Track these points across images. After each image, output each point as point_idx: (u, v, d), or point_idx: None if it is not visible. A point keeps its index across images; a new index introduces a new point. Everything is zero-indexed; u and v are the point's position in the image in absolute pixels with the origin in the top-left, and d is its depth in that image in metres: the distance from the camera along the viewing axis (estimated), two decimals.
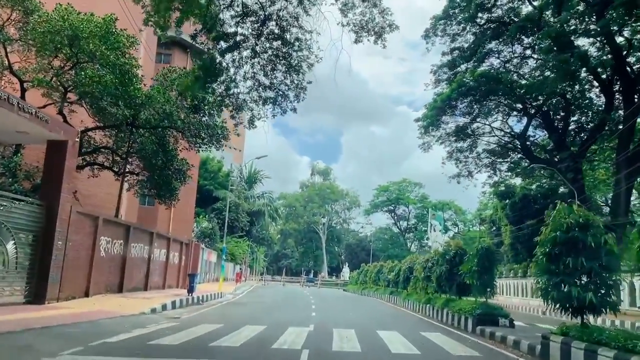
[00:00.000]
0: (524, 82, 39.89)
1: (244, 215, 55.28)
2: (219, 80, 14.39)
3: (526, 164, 47.08)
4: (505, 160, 48.30)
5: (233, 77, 14.61)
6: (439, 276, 16.51)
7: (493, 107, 43.74)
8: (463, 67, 42.68)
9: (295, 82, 14.79)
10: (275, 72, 14.84)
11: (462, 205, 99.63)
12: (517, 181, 54.19)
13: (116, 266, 19.55)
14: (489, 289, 13.56)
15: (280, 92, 15.08)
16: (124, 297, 18.20)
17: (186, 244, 30.61)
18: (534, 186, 53.16)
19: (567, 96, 39.84)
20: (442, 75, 44.22)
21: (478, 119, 44.06)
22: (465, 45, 42.60)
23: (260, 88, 14.99)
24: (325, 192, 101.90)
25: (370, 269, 41.76)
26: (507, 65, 42.29)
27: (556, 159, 40.92)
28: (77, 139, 15.90)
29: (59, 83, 18.33)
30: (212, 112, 21.76)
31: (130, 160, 23.16)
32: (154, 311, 15.86)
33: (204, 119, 21.40)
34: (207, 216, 53.82)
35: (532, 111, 43.20)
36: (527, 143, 44.89)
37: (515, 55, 41.95)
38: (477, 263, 13.59)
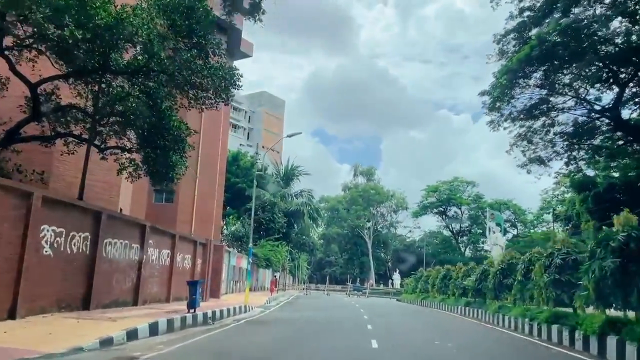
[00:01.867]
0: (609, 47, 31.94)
1: (281, 216, 48.73)
2: None
3: (615, 145, 38.56)
4: (587, 142, 40.00)
5: None
6: (600, 279, 9.19)
7: (574, 77, 35.84)
8: (534, 32, 34.89)
9: None
10: None
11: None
12: (591, 172, 45.44)
13: (78, 271, 13.24)
14: None
15: None
16: (77, 318, 11.79)
17: (203, 244, 24.30)
18: (615, 174, 44.70)
19: None
20: (507, 45, 36.64)
21: (556, 91, 36.49)
22: (537, 5, 34.82)
23: None
24: (370, 193, 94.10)
25: (433, 275, 34.33)
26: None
27: None
28: None
29: None
30: (216, 51, 15.29)
31: (117, 128, 16.91)
32: (106, 344, 9.37)
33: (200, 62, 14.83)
34: (240, 217, 47.78)
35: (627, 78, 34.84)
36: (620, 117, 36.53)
37: (594, 18, 34.20)
38: None
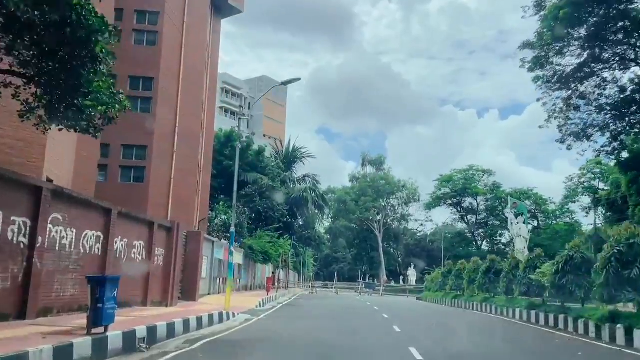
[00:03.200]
0: None
1: (281, 203, 41.90)
2: None
3: None
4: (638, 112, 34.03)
5: None
6: None
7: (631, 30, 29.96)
8: None
9: None
10: None
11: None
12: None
13: None
14: None
15: None
16: None
17: (167, 229, 17.67)
18: None
19: None
20: None
21: (610, 42, 30.65)
22: None
23: None
24: (379, 183, 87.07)
25: (469, 268, 27.52)
26: None
27: None
28: None
29: None
30: None
31: (6, 41, 10.19)
32: None
33: None
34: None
35: None
36: None
37: None
38: None
